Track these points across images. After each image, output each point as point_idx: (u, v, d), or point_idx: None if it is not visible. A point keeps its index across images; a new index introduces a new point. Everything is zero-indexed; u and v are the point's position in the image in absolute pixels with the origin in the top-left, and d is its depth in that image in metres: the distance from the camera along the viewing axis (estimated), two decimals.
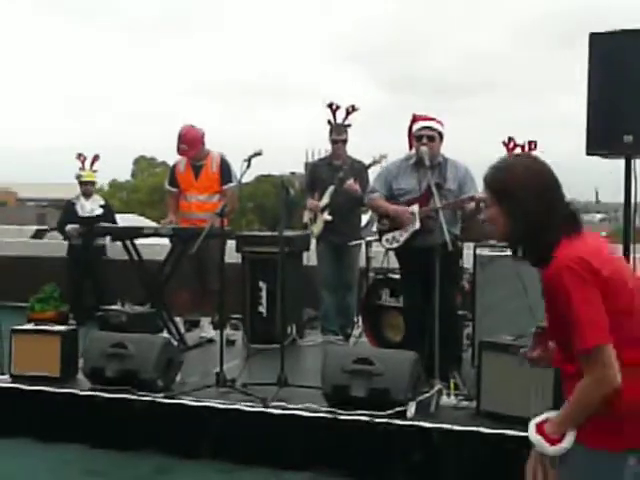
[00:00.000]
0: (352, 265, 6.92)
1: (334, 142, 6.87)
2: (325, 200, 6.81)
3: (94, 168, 9.17)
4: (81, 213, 8.88)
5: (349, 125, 6.91)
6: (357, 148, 7.14)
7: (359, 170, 6.76)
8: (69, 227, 8.73)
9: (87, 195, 9.01)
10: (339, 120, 6.86)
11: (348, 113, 6.86)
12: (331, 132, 6.87)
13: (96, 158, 9.16)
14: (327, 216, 6.77)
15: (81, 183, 9.02)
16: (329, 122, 6.87)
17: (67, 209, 9.16)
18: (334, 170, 6.85)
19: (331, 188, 6.76)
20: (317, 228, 6.86)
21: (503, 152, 6.49)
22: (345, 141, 6.90)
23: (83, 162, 9.09)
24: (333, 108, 6.85)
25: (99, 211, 8.96)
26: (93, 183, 9.16)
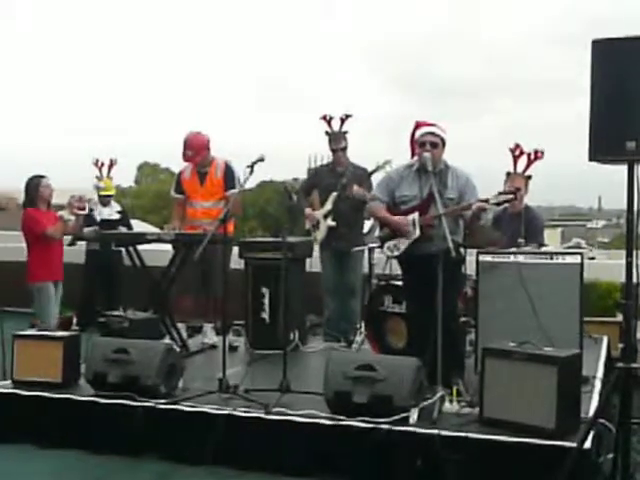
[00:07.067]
0: (355, 271, 6.95)
1: (334, 151, 6.96)
2: (328, 206, 6.85)
3: (111, 174, 9.15)
4: (99, 217, 8.93)
5: (346, 132, 6.99)
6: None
7: (361, 176, 6.81)
8: (87, 230, 8.73)
9: (105, 205, 9.06)
10: (336, 129, 6.94)
11: (342, 121, 6.95)
12: (330, 142, 6.94)
13: (113, 163, 9.12)
14: (330, 222, 6.81)
15: (100, 195, 9.04)
16: (326, 132, 6.95)
17: (85, 215, 9.19)
18: (337, 176, 6.89)
19: (334, 194, 6.81)
20: (320, 234, 6.90)
21: (509, 159, 6.51)
22: (345, 148, 6.99)
23: (100, 169, 9.07)
24: (327, 119, 6.96)
25: (116, 217, 9.03)
26: (111, 195, 9.17)
